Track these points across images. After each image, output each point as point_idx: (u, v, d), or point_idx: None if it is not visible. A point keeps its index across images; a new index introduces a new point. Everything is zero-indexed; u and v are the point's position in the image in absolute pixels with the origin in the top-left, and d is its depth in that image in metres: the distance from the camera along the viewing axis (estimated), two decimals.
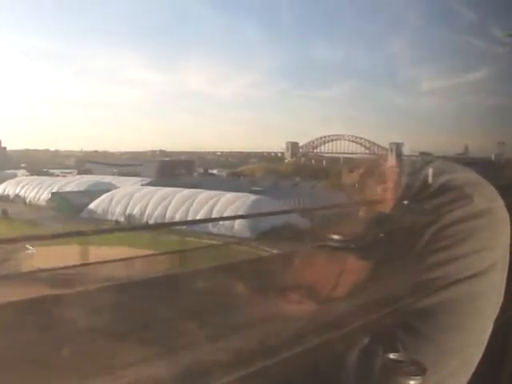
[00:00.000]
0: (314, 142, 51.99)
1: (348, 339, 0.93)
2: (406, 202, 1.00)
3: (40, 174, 38.29)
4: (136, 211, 27.65)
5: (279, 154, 51.16)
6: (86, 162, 45.85)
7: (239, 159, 50.85)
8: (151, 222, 25.81)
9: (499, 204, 0.99)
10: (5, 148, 46.39)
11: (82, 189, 31.97)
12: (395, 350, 0.88)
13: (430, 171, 1.02)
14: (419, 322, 0.92)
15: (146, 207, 27.86)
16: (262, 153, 52.41)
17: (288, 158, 49.28)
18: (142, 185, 33.16)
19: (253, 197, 27.85)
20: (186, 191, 29.21)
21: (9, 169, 40.00)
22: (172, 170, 43.10)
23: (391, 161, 1.07)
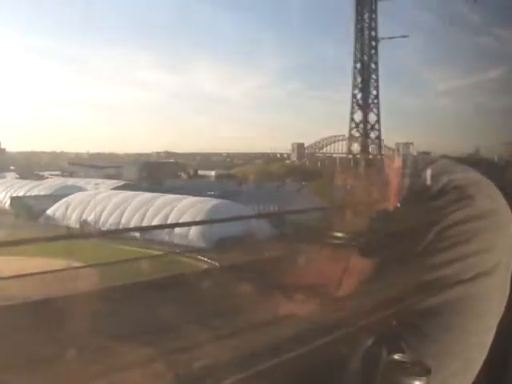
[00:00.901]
0: (319, 142, 51.95)
1: (351, 339, 0.95)
2: (408, 202, 1.03)
3: (29, 177, 38.14)
4: (91, 217, 27.21)
5: (285, 155, 51.15)
6: (68, 164, 45.37)
7: (244, 160, 50.83)
8: (105, 228, 25.45)
9: (502, 204, 1.03)
10: (4, 149, 46.54)
11: (47, 193, 31.48)
12: (399, 350, 0.92)
13: (433, 171, 1.04)
14: (422, 321, 0.98)
15: (101, 213, 27.41)
16: (268, 154, 52.39)
17: (294, 159, 49.29)
18: (112, 189, 32.90)
19: (213, 201, 27.23)
20: (145, 195, 28.76)
21: (7, 171, 39.84)
22: (154, 172, 42.75)
23: (393, 161, 1.09)
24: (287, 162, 49.38)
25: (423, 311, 0.97)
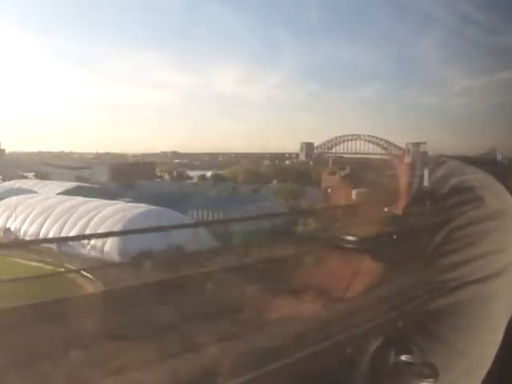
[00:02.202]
0: (329, 142, 51.94)
1: (360, 340, 0.98)
2: (418, 204, 1.06)
3: (10, 177, 38.10)
4: (14, 225, 26.72)
5: (293, 155, 51.29)
6: (43, 165, 44.53)
7: (251, 160, 50.94)
8: (26, 237, 24.79)
9: (511, 205, 1.03)
10: (3, 150, 46.94)
11: None
12: (408, 351, 0.95)
13: (443, 172, 1.07)
14: (432, 322, 1.03)
15: (24, 221, 26.96)
16: (276, 154, 52.51)
17: (302, 159, 49.36)
18: (58, 193, 32.33)
19: (141, 209, 26.09)
20: (71, 202, 27.88)
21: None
22: (123, 173, 41.81)
23: (404, 161, 1.12)
24: (285, 162, 49.28)
25: (432, 312, 1.02)
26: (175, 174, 45.25)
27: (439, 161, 1.14)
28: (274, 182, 40.23)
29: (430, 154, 1.23)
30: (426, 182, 1.09)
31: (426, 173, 1.10)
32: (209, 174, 44.96)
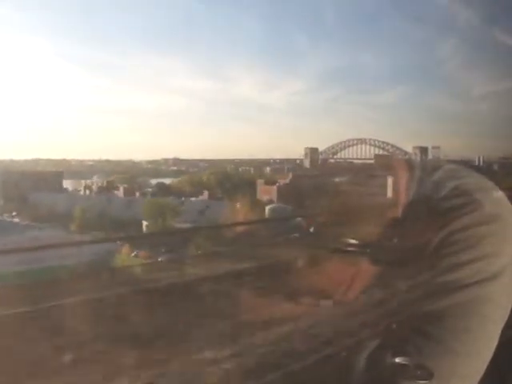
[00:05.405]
0: (333, 147, 51.91)
1: (357, 343, 1.02)
2: (414, 207, 1.10)
3: None
4: None
5: (298, 161, 51.20)
6: None
7: (252, 167, 50.85)
8: None
9: (508, 209, 1.09)
10: None
11: None
12: (404, 354, 0.98)
13: (440, 176, 1.11)
14: (429, 325, 1.06)
15: None
16: (281, 160, 52.39)
17: (306, 165, 49.23)
18: None
19: None
20: None
21: None
22: (16, 185, 37.94)
23: (399, 165, 1.16)
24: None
25: (429, 314, 1.05)
26: (105, 184, 41.69)
27: (436, 164, 1.19)
28: (206, 193, 38.94)
29: (431, 157, 1.27)
30: (423, 185, 1.13)
31: (424, 176, 1.15)
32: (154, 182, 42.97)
